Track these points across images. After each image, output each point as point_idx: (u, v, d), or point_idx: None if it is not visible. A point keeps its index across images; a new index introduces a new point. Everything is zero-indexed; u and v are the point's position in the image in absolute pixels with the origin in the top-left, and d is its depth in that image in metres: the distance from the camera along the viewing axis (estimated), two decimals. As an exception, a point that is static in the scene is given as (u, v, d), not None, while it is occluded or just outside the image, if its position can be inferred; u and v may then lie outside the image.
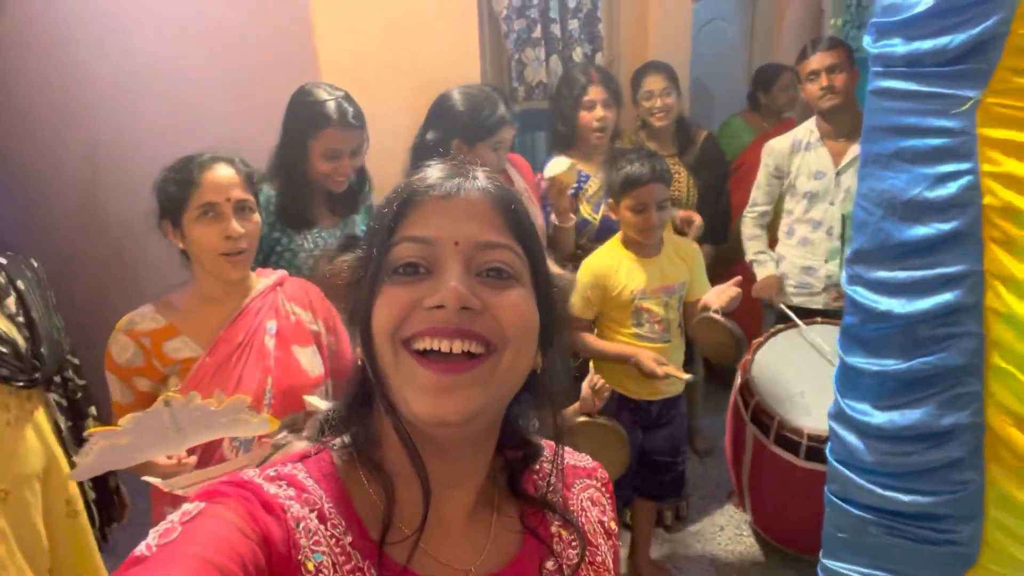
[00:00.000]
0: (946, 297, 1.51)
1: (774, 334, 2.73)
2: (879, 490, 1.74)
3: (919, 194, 1.51)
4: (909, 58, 1.47)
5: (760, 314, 3.11)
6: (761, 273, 2.94)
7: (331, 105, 1.97)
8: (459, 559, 0.65)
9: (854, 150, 2.77)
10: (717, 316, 2.00)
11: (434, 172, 0.66)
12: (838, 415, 1.85)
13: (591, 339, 2.27)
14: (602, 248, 2.29)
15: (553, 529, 0.71)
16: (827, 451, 1.92)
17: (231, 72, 2.63)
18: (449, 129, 2.19)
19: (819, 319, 2.77)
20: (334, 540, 0.60)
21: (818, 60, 2.75)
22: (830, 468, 1.89)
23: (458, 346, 0.58)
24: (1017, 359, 1.45)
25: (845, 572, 1.90)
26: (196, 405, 1.15)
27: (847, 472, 1.82)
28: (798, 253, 2.91)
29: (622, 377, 2.24)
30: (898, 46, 1.49)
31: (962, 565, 1.67)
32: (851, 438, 1.80)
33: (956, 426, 1.57)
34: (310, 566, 0.57)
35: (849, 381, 1.81)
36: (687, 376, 2.14)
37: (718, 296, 2.06)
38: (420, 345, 0.59)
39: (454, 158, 0.68)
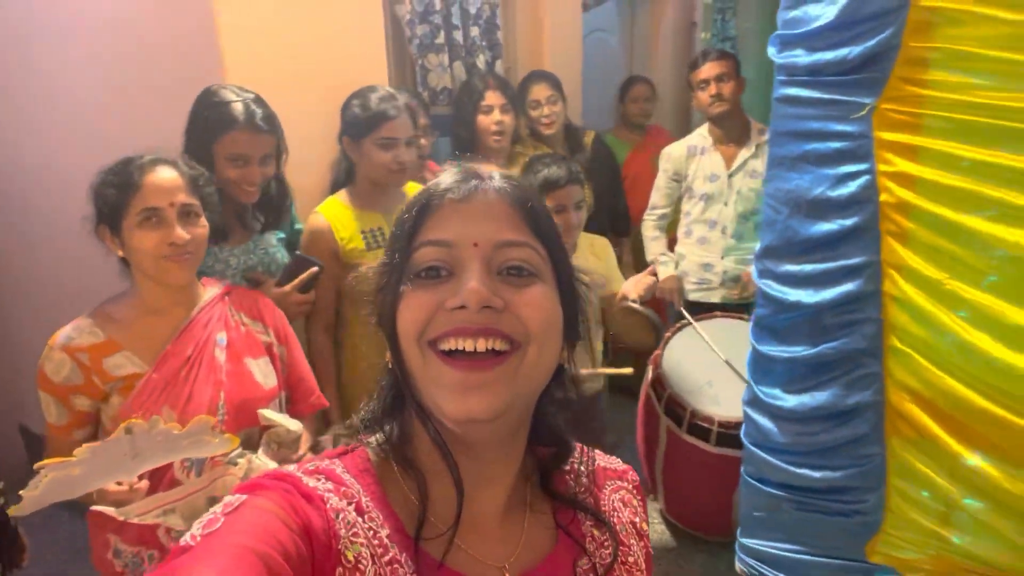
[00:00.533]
0: (848, 287, 1.66)
1: (679, 330, 2.87)
2: (792, 468, 1.87)
3: (822, 193, 1.65)
4: (812, 68, 1.60)
5: (665, 311, 3.27)
6: (663, 273, 3.08)
7: (238, 107, 1.86)
8: (493, 556, 0.66)
9: (743, 154, 2.97)
10: (636, 305, 2.08)
11: (449, 176, 0.67)
12: (752, 401, 1.98)
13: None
14: (521, 251, 2.31)
15: (585, 529, 0.72)
16: (742, 435, 2.04)
17: (129, 76, 2.47)
18: (341, 128, 2.18)
19: (718, 313, 2.94)
20: (372, 532, 0.61)
21: (707, 70, 2.92)
22: (745, 451, 2.01)
23: (482, 344, 0.59)
24: (913, 340, 1.61)
25: (761, 548, 2.03)
26: (159, 430, 1.07)
27: (761, 453, 1.95)
28: (696, 251, 3.08)
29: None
30: (801, 57, 1.62)
31: (868, 533, 1.82)
32: (765, 421, 1.93)
33: (860, 404, 1.72)
34: (350, 556, 0.58)
35: (762, 368, 1.94)
36: (627, 370, 2.19)
37: (635, 285, 2.14)
38: (446, 346, 0.60)
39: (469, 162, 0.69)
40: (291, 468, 0.64)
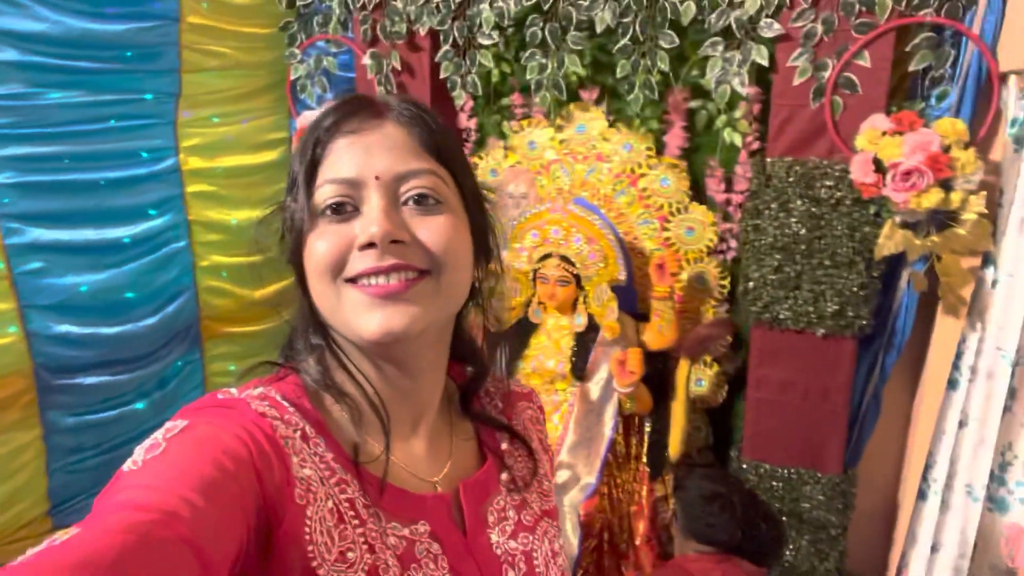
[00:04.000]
0: None
1: None
2: None
3: None
4: None
5: None
6: None
7: None
8: (426, 472, 0.69)
9: None
10: None
11: (343, 108, 0.63)
12: None
13: None
14: None
15: (504, 446, 0.76)
16: None
17: None
18: None
19: None
20: (317, 457, 0.60)
21: None
22: None
23: (395, 278, 0.60)
24: None
25: None
26: None
27: None
28: None
29: None
30: None
31: None
32: None
33: None
34: (302, 476, 0.57)
35: None
36: None
37: None
38: (361, 282, 0.60)
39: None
40: (234, 392, 0.61)
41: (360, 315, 0.60)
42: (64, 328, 1.81)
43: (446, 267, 0.62)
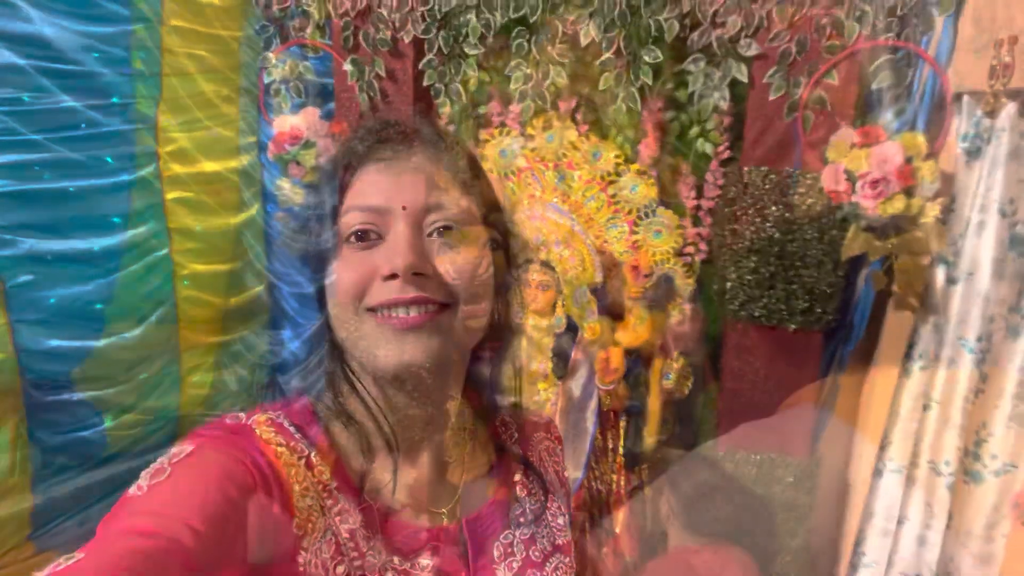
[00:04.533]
0: None
1: None
2: None
3: None
4: None
5: None
6: None
7: None
8: (435, 503, 0.68)
9: None
10: None
11: (373, 136, 0.64)
12: None
13: None
14: None
15: (517, 478, 0.76)
16: None
17: None
18: None
19: None
20: (321, 485, 0.61)
21: None
22: None
23: (414, 311, 0.60)
24: None
25: None
26: None
27: None
28: None
29: None
30: None
31: None
32: None
33: None
34: (302, 506, 0.58)
35: None
36: None
37: None
38: (382, 313, 0.61)
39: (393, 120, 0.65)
40: (241, 416, 0.61)
41: (379, 345, 0.60)
42: (54, 343, 1.74)
43: (467, 301, 0.63)
